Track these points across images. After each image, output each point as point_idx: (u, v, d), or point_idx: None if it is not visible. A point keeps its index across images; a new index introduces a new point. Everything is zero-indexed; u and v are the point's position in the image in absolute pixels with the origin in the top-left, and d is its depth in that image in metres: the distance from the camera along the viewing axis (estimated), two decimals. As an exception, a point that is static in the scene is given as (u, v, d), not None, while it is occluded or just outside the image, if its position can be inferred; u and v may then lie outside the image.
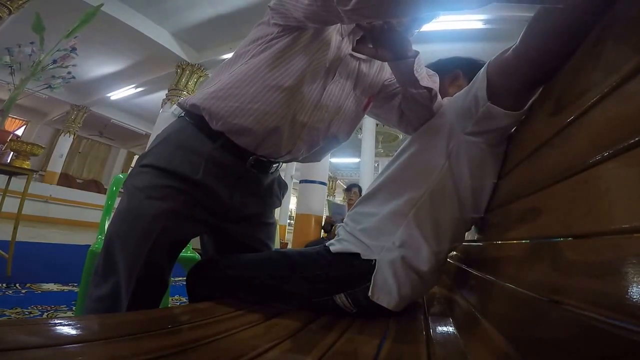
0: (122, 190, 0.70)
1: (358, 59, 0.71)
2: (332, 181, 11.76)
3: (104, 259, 0.63)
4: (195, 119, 0.67)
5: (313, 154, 0.77)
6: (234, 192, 0.70)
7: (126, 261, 0.61)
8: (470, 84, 0.63)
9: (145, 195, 0.63)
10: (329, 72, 0.67)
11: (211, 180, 0.65)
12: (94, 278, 0.64)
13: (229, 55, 0.72)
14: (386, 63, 0.76)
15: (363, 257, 0.61)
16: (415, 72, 0.65)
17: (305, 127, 0.68)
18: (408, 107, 0.74)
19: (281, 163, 0.76)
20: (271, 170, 0.74)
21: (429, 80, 0.70)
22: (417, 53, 0.64)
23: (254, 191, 0.74)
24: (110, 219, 0.66)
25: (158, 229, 0.62)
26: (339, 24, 0.65)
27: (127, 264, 0.61)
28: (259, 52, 0.64)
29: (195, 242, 0.85)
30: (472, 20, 3.70)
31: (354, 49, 0.68)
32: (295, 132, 0.68)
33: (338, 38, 0.67)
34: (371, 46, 0.65)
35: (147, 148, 0.70)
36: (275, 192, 0.80)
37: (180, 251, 0.68)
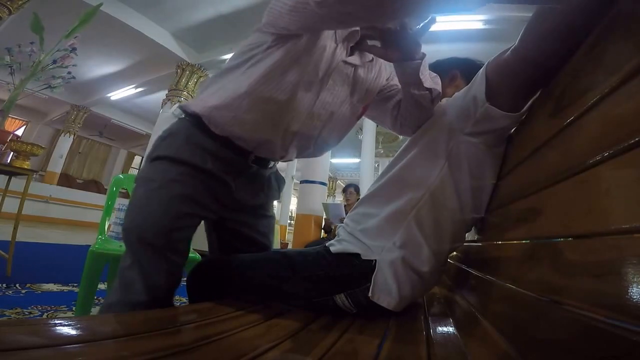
0: (122, 190, 0.70)
1: (353, 65, 0.70)
2: (332, 181, 11.76)
3: (130, 248, 0.65)
4: (196, 119, 0.69)
5: (308, 154, 0.80)
6: (238, 185, 0.73)
7: (152, 239, 0.63)
8: (469, 84, 0.63)
9: (163, 180, 0.66)
10: (322, 80, 0.67)
11: (219, 172, 0.69)
12: (122, 268, 0.66)
13: (229, 56, 0.73)
14: (384, 68, 0.77)
15: (363, 258, 0.61)
16: (420, 73, 0.65)
17: (297, 135, 0.70)
18: (407, 108, 0.73)
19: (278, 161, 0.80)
20: (270, 166, 0.79)
21: (432, 82, 0.69)
22: (424, 55, 0.64)
23: (256, 184, 0.78)
24: (127, 210, 0.69)
25: (176, 203, 0.65)
26: (332, 31, 0.65)
27: (153, 242, 0.63)
28: (256, 62, 0.64)
29: (195, 242, 0.85)
30: (472, 21, 3.70)
31: (366, 50, 0.67)
32: (287, 140, 0.71)
33: (332, 45, 0.66)
34: (374, 45, 0.64)
35: (151, 147, 0.72)
36: (274, 185, 0.85)
37: (191, 235, 0.71)
